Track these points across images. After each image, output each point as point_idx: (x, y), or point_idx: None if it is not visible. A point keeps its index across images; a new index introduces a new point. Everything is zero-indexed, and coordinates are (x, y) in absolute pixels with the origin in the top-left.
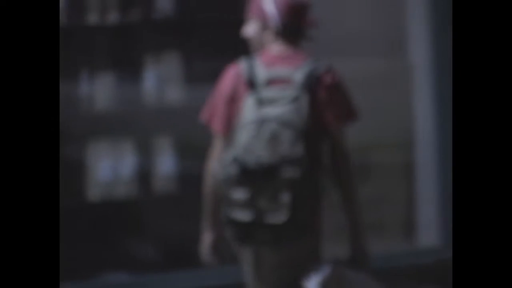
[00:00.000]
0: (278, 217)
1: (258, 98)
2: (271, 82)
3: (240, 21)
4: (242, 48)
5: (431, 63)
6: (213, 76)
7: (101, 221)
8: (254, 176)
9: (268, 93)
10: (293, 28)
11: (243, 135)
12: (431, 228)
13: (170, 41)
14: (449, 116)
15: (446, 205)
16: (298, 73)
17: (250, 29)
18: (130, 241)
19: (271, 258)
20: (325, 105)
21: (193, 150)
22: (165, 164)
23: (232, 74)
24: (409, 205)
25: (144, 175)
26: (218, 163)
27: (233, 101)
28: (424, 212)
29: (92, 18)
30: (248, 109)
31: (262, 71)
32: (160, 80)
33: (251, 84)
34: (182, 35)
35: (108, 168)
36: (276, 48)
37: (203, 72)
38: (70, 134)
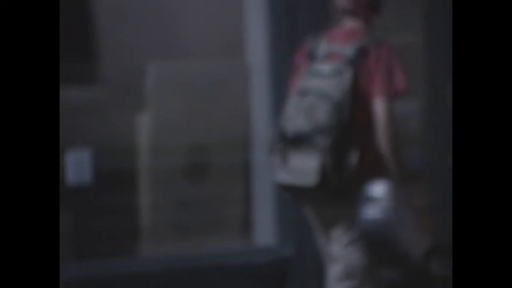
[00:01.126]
0: (309, 181)
1: (310, 71)
2: (328, 56)
3: (87, 21)
4: (88, 49)
5: (268, 64)
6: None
7: None
8: (291, 143)
9: (319, 66)
10: (365, 5)
11: (290, 105)
12: (267, 228)
13: None
14: None
15: (281, 204)
16: (349, 48)
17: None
18: None
19: (323, 212)
20: (370, 77)
21: None
22: None
23: (301, 48)
24: (245, 205)
25: None
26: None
27: (296, 73)
28: (260, 211)
29: None
30: (300, 80)
31: (323, 46)
32: None
33: (310, 57)
34: None
35: None
36: (345, 23)
37: None
38: None
